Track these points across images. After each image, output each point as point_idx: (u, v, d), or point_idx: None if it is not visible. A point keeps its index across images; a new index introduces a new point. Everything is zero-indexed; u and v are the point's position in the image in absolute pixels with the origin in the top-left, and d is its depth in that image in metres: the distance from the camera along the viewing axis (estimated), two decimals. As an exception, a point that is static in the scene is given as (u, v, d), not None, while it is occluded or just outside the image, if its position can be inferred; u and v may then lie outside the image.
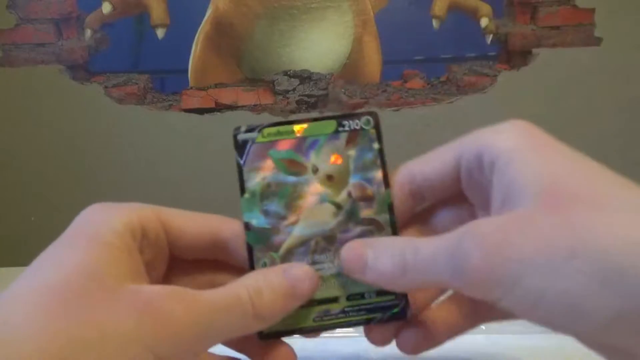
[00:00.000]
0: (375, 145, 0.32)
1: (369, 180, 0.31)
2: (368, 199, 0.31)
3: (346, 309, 0.31)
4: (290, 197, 0.31)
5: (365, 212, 0.31)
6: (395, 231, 0.31)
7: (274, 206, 0.31)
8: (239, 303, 0.26)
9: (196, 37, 1.30)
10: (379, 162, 0.32)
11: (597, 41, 1.28)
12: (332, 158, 0.32)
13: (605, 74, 1.28)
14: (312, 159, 0.32)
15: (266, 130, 0.32)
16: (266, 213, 0.31)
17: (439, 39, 1.30)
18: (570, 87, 1.29)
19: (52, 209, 1.32)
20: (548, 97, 1.29)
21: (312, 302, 0.31)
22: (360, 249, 0.28)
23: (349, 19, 1.29)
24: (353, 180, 0.32)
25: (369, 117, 0.32)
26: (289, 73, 1.30)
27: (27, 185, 1.34)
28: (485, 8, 1.28)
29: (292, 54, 1.30)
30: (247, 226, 0.31)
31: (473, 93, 1.30)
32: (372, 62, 1.30)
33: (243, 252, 0.31)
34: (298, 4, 1.28)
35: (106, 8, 1.29)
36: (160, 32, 1.30)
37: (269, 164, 0.32)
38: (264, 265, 0.31)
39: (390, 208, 0.31)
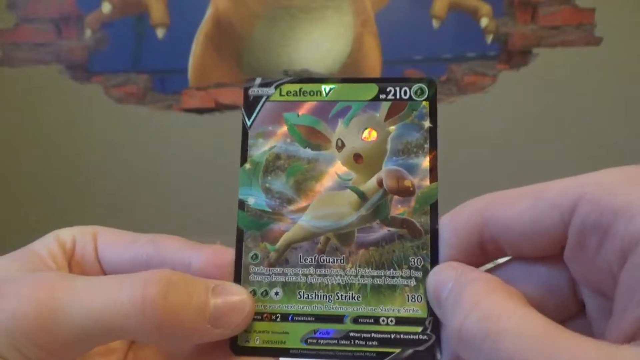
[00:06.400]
0: (426, 124, 0.24)
1: (410, 168, 0.24)
2: (405, 193, 0.24)
3: (351, 334, 0.23)
4: (302, 176, 0.24)
5: (398, 210, 0.24)
6: (435, 242, 0.23)
7: (280, 184, 0.24)
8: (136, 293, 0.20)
9: (196, 37, 1.27)
10: (427, 146, 0.24)
11: (597, 41, 1.27)
12: (365, 133, 0.24)
13: (605, 74, 1.27)
14: (339, 130, 0.24)
15: (285, 87, 0.25)
16: (268, 191, 0.24)
17: (439, 39, 1.29)
18: (570, 87, 1.28)
19: (52, 209, 1.31)
20: (548, 97, 1.28)
21: (305, 316, 0.23)
22: (446, 273, 0.21)
23: (348, 19, 1.28)
24: (388, 165, 0.24)
25: (423, 85, 0.24)
26: (289, 73, 1.29)
27: (27, 185, 1.34)
28: (486, 8, 1.27)
29: (292, 54, 1.29)
30: (242, 205, 0.24)
31: (473, 93, 1.29)
32: (372, 62, 1.29)
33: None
34: (298, 4, 1.27)
35: (106, 8, 1.29)
36: (160, 32, 1.29)
37: (282, 130, 0.25)
38: (255, 258, 0.24)
39: (434, 209, 0.23)
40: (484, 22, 1.26)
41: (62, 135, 1.30)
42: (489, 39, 1.27)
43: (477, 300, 0.19)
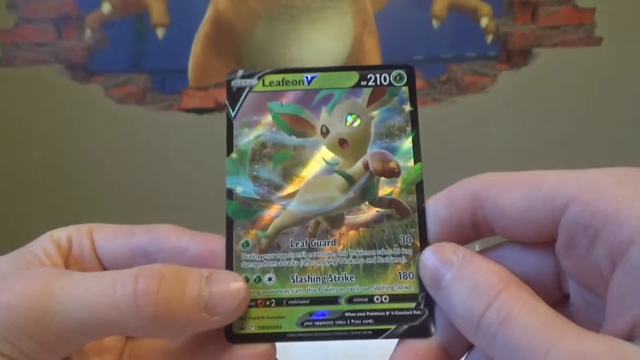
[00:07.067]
0: (407, 107, 0.25)
1: (394, 150, 0.25)
2: (390, 174, 0.24)
3: (347, 314, 0.23)
4: (288, 163, 0.25)
5: (385, 190, 0.24)
6: (423, 219, 0.24)
7: (267, 172, 0.25)
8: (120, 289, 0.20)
9: (196, 37, 1.27)
10: (409, 128, 0.25)
11: (597, 41, 1.27)
12: (349, 118, 0.25)
13: (605, 74, 1.28)
14: (323, 117, 0.25)
15: (268, 78, 0.25)
16: (256, 179, 0.25)
17: (439, 39, 1.28)
18: (570, 87, 1.28)
19: (52, 209, 1.31)
20: (548, 97, 1.29)
21: (299, 300, 0.23)
22: (444, 257, 0.22)
23: (348, 19, 1.28)
24: (373, 149, 0.25)
25: (402, 71, 0.25)
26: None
27: (27, 185, 1.34)
28: (486, 8, 1.27)
29: (292, 54, 1.29)
30: (230, 194, 0.24)
31: (473, 93, 1.29)
32: (372, 62, 1.29)
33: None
34: (298, 4, 1.27)
35: (106, 8, 1.29)
36: (160, 32, 1.29)
37: (267, 119, 0.25)
38: (246, 246, 0.24)
39: (420, 188, 0.24)
40: (484, 22, 1.26)
41: (63, 135, 1.30)
42: (489, 39, 1.27)
43: (497, 293, 0.19)
